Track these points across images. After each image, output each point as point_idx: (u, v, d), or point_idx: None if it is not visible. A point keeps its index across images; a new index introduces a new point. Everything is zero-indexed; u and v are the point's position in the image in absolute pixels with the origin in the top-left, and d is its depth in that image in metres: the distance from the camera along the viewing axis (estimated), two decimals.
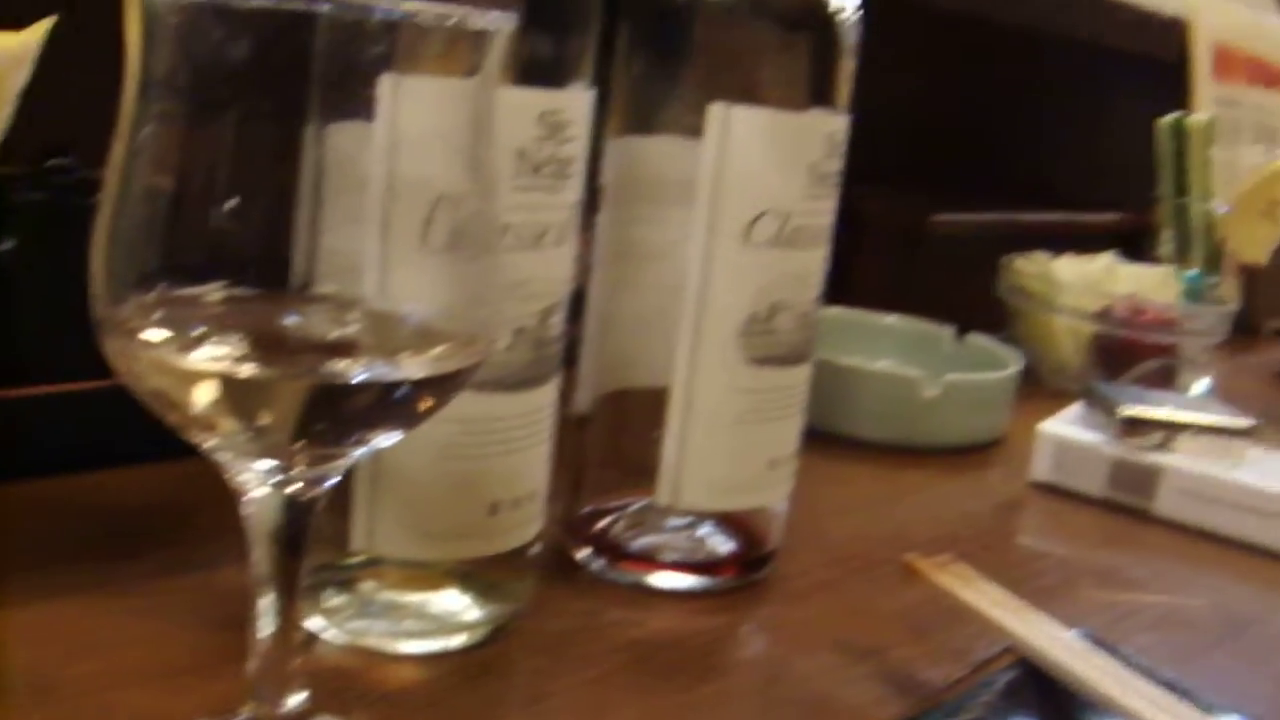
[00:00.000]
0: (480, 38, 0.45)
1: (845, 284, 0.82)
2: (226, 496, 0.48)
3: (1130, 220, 1.72)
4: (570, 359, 0.68)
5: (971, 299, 1.36)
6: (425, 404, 0.46)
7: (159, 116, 0.44)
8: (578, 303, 0.67)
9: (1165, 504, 0.98)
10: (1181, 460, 0.99)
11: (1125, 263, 1.44)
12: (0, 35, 0.55)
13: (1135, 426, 1.01)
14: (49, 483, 0.78)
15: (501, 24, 0.45)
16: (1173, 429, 1.01)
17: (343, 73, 0.43)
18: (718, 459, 0.71)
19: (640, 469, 0.73)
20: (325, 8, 0.43)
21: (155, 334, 0.44)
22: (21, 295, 0.78)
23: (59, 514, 0.74)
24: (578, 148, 0.60)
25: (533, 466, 0.64)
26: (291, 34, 0.42)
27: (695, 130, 0.68)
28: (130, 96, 0.44)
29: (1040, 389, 1.30)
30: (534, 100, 0.58)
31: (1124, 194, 1.78)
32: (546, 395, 0.63)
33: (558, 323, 0.62)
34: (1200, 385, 1.34)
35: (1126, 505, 1.00)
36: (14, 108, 0.57)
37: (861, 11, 0.71)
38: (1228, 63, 1.94)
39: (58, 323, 0.77)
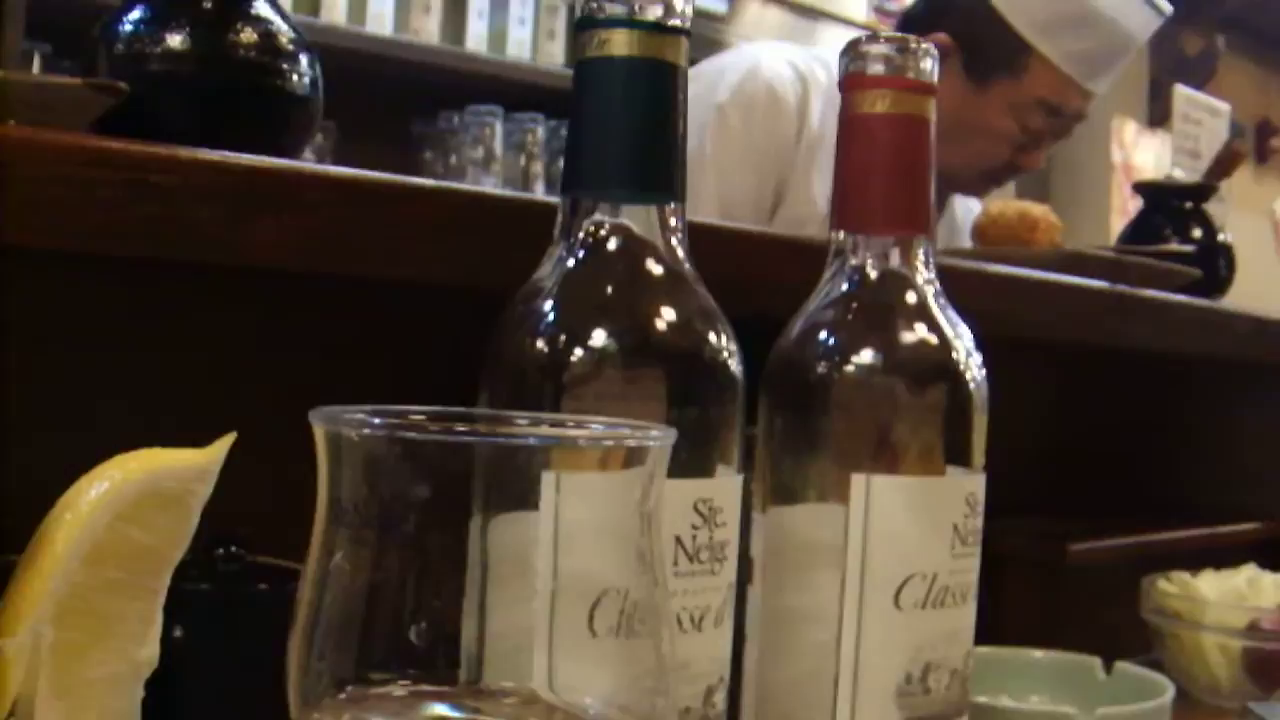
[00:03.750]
0: (640, 450, 0.48)
1: (987, 621, 0.83)
2: None
3: (1269, 529, 1.72)
4: None
5: (1116, 624, 1.36)
6: None
7: (348, 537, 0.47)
8: (734, 670, 0.69)
9: None
10: None
11: (1268, 573, 1.44)
12: (186, 452, 0.59)
13: None
14: None
15: (661, 439, 0.48)
16: None
17: (507, 478, 0.47)
18: None
19: None
20: (490, 438, 0.47)
21: None
22: (189, 684, 0.81)
23: None
24: (731, 531, 0.63)
25: None
26: (461, 457, 0.46)
27: (840, 496, 0.70)
28: (321, 517, 0.48)
29: (1195, 710, 1.28)
30: (687, 490, 0.61)
31: (1260, 503, 1.78)
32: None
33: (721, 699, 0.64)
34: None
35: None
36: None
37: (985, 362, 0.74)
38: None
39: (226, 710, 0.79)
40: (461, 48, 3.34)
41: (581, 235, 0.64)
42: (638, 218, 0.64)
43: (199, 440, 0.61)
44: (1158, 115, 4.97)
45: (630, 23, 0.62)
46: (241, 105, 0.88)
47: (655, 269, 0.64)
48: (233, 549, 0.84)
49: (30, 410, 0.78)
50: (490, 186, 3.25)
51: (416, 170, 3.25)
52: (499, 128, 3.31)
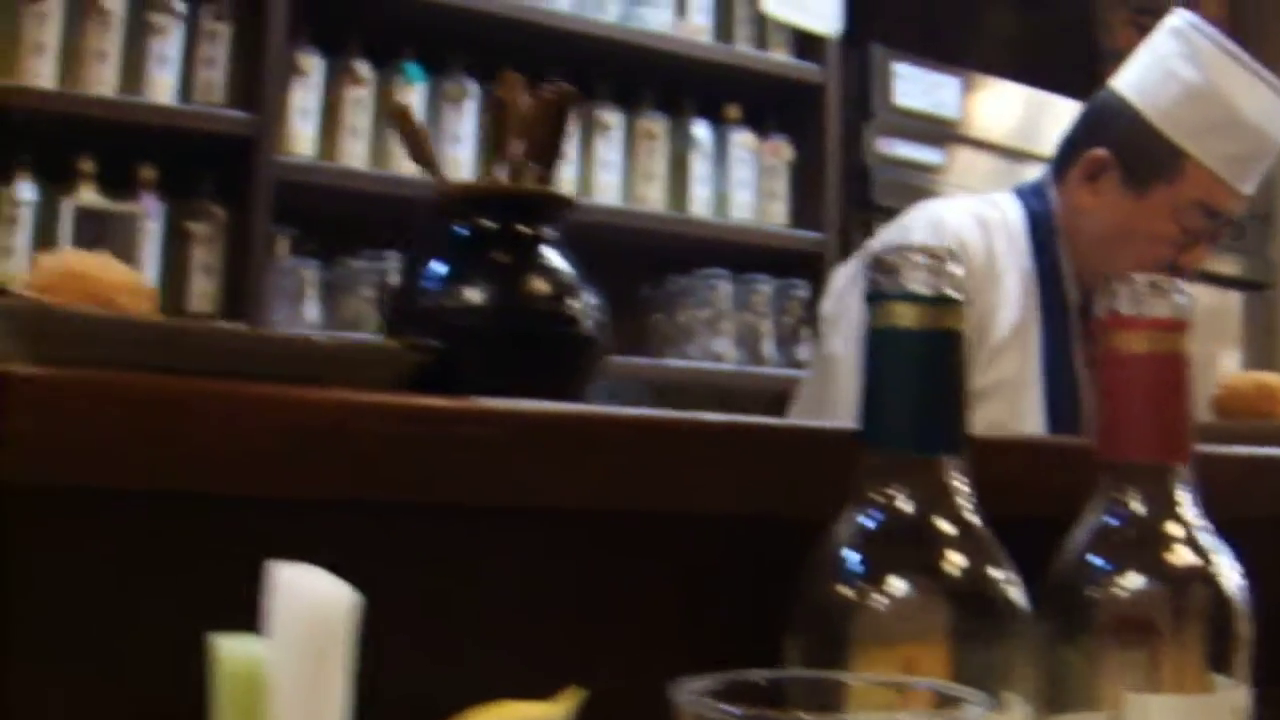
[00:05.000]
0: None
1: None
2: None
3: None
4: None
5: None
6: None
7: None
8: None
9: None
10: None
11: None
12: (540, 706, 0.66)
13: None
14: None
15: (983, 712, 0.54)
16: None
17: None
18: None
19: None
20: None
21: None
22: None
23: None
24: None
25: None
26: None
27: (1114, 709, 0.76)
28: None
29: None
30: None
31: None
32: None
33: None
34: None
35: None
36: None
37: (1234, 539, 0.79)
38: None
39: None
40: (686, 213, 3.44)
41: (876, 486, 0.71)
42: (926, 469, 0.71)
43: (513, 679, 0.68)
44: None
45: (912, 298, 0.70)
46: (537, 352, 0.96)
47: (942, 516, 0.70)
48: None
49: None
50: (719, 348, 3.34)
51: (646, 333, 3.35)
52: (726, 289, 3.40)
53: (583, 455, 0.85)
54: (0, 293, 0.84)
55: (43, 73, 2.89)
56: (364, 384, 0.84)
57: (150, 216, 2.96)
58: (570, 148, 3.31)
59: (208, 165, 3.01)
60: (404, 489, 0.82)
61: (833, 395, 1.93)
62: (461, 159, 3.19)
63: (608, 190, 3.35)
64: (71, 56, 2.93)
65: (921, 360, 0.70)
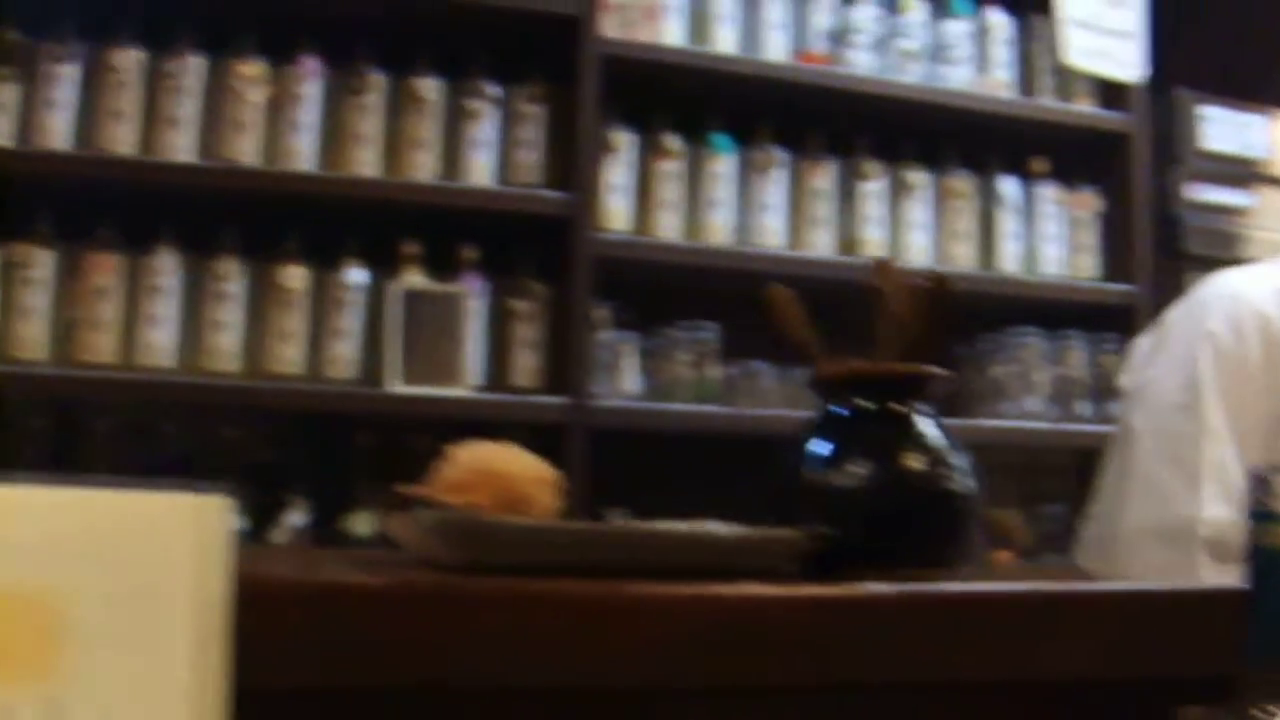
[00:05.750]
0: None
1: None
2: None
3: None
4: None
5: None
6: None
7: None
8: None
9: None
10: None
11: None
12: None
13: None
14: None
15: None
16: None
17: None
18: None
19: None
20: None
21: None
22: None
23: None
24: None
25: None
26: None
27: None
28: None
29: None
30: None
31: None
32: None
33: None
34: None
35: None
36: None
37: None
38: None
39: None
40: (995, 270, 3.45)
41: (1260, 700, 0.75)
42: None
43: None
44: None
45: None
46: (916, 524, 1.01)
47: None
48: None
49: None
50: (1032, 405, 3.34)
51: (958, 391, 3.37)
52: (1037, 345, 3.40)
53: (963, 630, 0.90)
54: (425, 502, 0.92)
55: (366, 161, 3.04)
56: (763, 570, 0.90)
57: (474, 295, 3.08)
58: (879, 209, 3.35)
59: (527, 244, 3.12)
60: (800, 673, 0.87)
61: (1132, 471, 1.91)
62: (771, 227, 3.26)
63: (917, 251, 3.37)
64: (392, 145, 3.08)
65: None
